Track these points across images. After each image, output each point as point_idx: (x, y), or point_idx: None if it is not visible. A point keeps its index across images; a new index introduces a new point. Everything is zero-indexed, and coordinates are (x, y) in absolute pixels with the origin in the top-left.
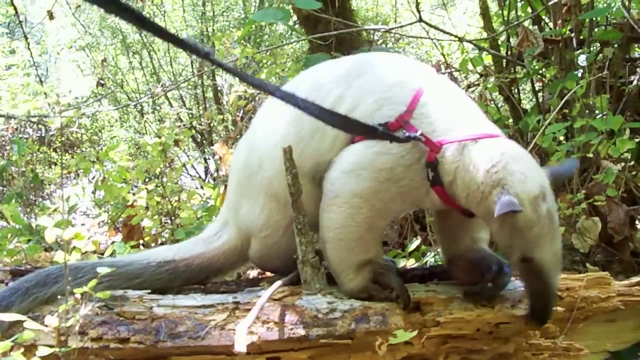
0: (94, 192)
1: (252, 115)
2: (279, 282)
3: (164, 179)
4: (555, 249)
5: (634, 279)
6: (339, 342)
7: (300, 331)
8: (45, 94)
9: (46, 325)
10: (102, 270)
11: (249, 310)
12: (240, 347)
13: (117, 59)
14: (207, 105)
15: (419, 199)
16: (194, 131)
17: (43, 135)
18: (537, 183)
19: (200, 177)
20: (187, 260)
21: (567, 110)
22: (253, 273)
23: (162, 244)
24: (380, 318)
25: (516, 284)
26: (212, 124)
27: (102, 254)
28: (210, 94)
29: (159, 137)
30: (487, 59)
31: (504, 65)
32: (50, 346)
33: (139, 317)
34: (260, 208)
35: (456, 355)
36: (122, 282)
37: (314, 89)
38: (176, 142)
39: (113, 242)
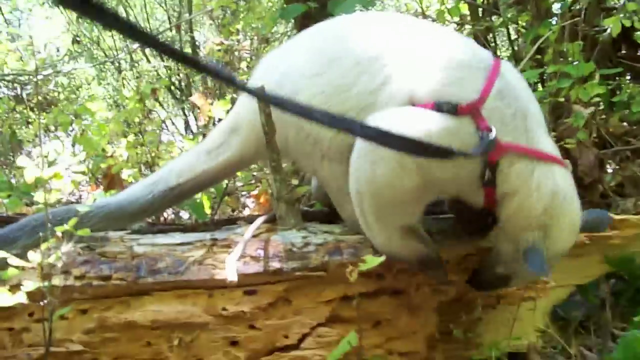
0: (73, 145)
1: (230, 66)
2: (261, 219)
3: (143, 130)
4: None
5: None
6: (313, 275)
7: (276, 264)
8: (19, 50)
9: (29, 262)
10: (82, 209)
11: (226, 246)
12: (232, 277)
13: None
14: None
15: (463, 192)
16: (170, 82)
17: (19, 93)
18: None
19: (180, 132)
20: (194, 180)
21: (540, 57)
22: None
23: None
24: (352, 251)
25: None
26: (190, 78)
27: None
28: (189, 49)
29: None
30: (464, 8)
31: (480, 14)
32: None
33: (120, 256)
34: None
35: (427, 286)
36: (129, 219)
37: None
38: (153, 91)
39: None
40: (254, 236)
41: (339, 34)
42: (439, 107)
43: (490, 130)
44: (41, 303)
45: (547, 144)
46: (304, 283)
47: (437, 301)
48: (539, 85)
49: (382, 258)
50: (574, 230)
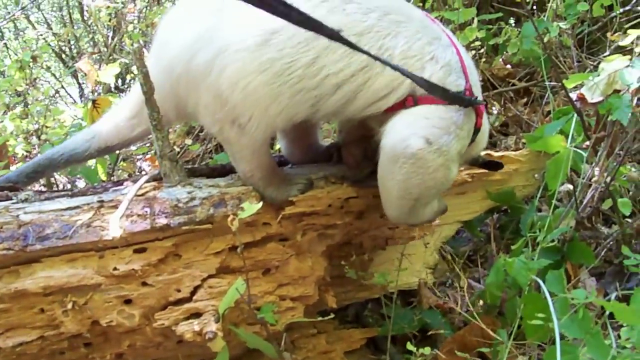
0: None
1: (117, 30)
2: (145, 177)
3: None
4: None
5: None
6: (200, 228)
7: (163, 220)
8: None
9: None
10: None
11: (113, 207)
12: (115, 232)
13: None
14: (75, 27)
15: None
16: (56, 48)
17: None
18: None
19: (74, 100)
20: (121, 143)
21: (422, 4)
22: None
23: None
24: (236, 202)
25: None
26: (80, 44)
27: None
28: (77, 16)
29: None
30: None
31: None
32: None
33: (6, 226)
34: None
35: (313, 232)
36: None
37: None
38: (34, 58)
39: None
40: (140, 195)
41: None
42: (452, 99)
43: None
44: None
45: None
46: (192, 237)
47: (325, 245)
48: None
49: (260, 205)
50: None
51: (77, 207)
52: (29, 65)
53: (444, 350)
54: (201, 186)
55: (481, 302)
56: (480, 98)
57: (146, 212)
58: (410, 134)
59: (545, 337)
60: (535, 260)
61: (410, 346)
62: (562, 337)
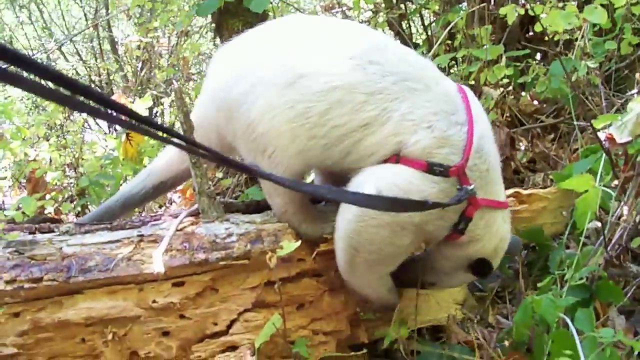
0: None
1: (147, 63)
2: (184, 213)
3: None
4: None
5: (508, 192)
6: (237, 263)
7: (201, 256)
8: None
9: None
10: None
11: (153, 241)
12: (159, 268)
13: (1, 14)
14: (105, 58)
15: (436, 237)
16: (90, 80)
17: None
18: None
19: (103, 130)
20: (174, 178)
21: (451, 42)
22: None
23: (69, 197)
24: (273, 238)
25: None
26: (111, 77)
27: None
28: (107, 46)
29: None
30: None
31: (395, 2)
32: None
33: (50, 257)
34: None
35: None
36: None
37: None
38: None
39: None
40: (178, 230)
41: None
42: (431, 169)
43: (470, 185)
44: None
45: (502, 191)
46: (228, 272)
47: None
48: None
49: (298, 243)
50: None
51: (118, 240)
52: None
53: None
54: (238, 222)
55: (509, 340)
56: (473, 189)
57: (185, 247)
58: (368, 180)
59: None
60: (563, 298)
61: None
62: None
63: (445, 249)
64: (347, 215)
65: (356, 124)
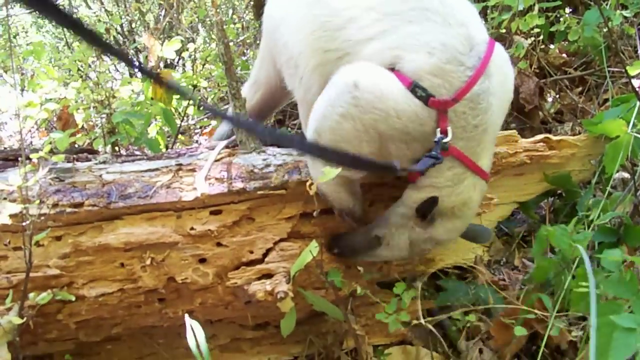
0: (22, 90)
1: (170, 8)
2: (222, 143)
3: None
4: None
5: (538, 137)
6: (274, 193)
7: (239, 185)
8: None
9: (10, 185)
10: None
11: (191, 170)
12: (202, 189)
13: None
14: (127, 3)
15: (400, 158)
16: (113, 29)
17: None
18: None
19: (129, 75)
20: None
21: None
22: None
23: (100, 134)
24: None
25: None
26: (132, 24)
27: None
28: None
29: None
30: None
31: None
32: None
33: (90, 184)
34: None
35: (380, 202)
36: None
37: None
38: (107, 30)
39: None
40: (216, 160)
41: None
42: (414, 89)
43: (447, 135)
44: (23, 224)
45: (486, 161)
46: (265, 201)
47: None
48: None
49: (339, 170)
50: (456, 232)
51: (157, 169)
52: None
53: (496, 322)
54: (275, 154)
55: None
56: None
57: (224, 176)
58: (355, 69)
59: (588, 308)
60: (582, 233)
61: (457, 315)
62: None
63: (403, 193)
64: (323, 97)
65: (363, 37)
